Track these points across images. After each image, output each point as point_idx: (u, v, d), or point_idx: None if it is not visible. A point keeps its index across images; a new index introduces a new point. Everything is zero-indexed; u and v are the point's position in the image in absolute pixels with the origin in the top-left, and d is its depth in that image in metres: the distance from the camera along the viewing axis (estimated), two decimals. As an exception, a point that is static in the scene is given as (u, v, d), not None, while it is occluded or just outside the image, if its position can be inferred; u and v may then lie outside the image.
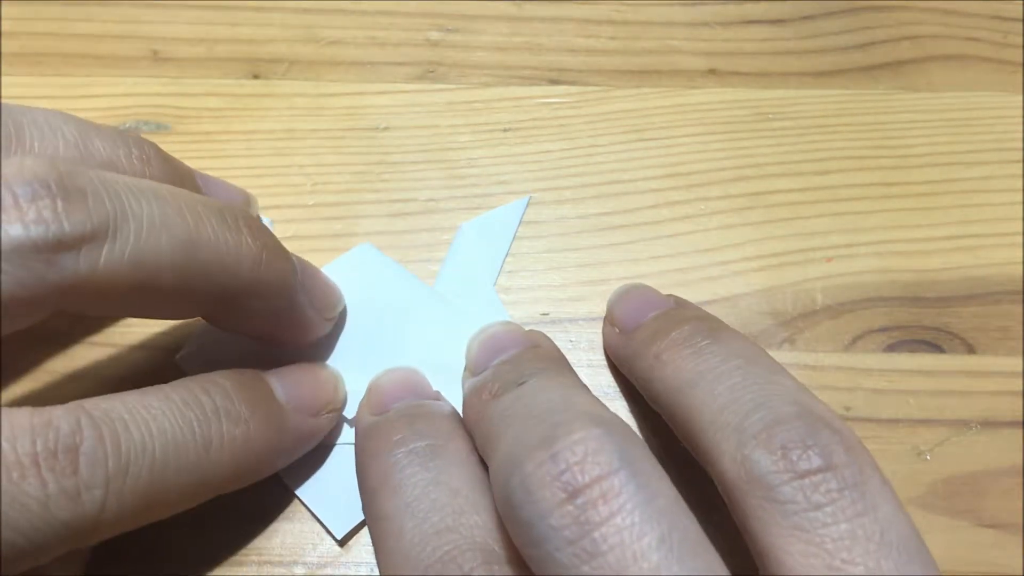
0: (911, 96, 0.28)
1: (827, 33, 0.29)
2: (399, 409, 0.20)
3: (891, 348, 0.24)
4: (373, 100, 0.27)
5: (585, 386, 0.19)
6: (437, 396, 0.21)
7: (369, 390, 0.21)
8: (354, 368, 0.22)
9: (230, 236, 0.18)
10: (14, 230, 0.15)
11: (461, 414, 0.21)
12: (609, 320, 0.23)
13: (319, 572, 0.20)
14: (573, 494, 0.15)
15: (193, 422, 0.17)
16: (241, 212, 0.19)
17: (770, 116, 0.27)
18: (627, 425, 0.17)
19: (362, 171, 0.26)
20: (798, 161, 0.27)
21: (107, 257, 0.16)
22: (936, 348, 0.24)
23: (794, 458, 0.16)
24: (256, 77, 0.28)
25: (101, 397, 0.17)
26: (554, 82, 0.28)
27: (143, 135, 0.26)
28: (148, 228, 0.17)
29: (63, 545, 0.16)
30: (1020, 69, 0.29)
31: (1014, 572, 0.21)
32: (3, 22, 0.28)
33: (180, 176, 0.20)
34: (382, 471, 0.19)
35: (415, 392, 0.21)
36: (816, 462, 0.16)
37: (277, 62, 0.28)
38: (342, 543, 0.21)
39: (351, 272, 0.24)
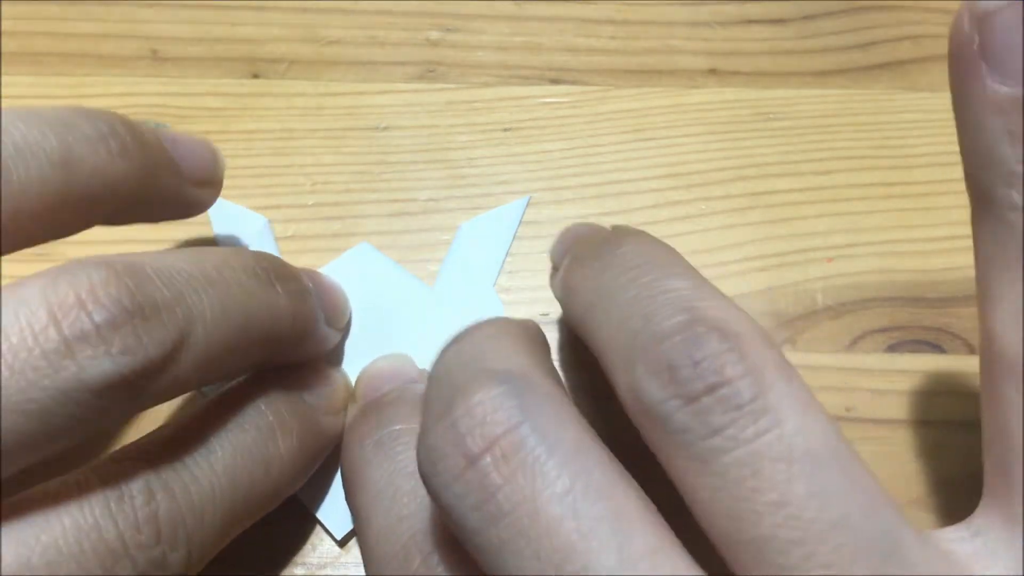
0: (912, 96, 0.28)
1: (827, 33, 0.29)
2: (368, 401, 0.20)
3: (892, 348, 0.24)
4: (373, 100, 0.27)
5: (510, 334, 0.17)
6: (421, 377, 0.21)
7: (357, 381, 0.22)
8: (353, 368, 0.22)
9: (272, 302, 0.18)
10: (103, 365, 0.15)
11: None
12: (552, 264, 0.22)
13: (319, 572, 0.20)
14: (472, 460, 0.14)
15: (252, 446, 0.18)
16: (270, 264, 0.19)
17: (770, 116, 0.27)
18: (541, 371, 0.16)
19: (362, 171, 0.26)
20: (798, 161, 0.27)
21: (184, 368, 0.16)
22: (937, 348, 0.24)
23: (681, 379, 0.14)
24: (256, 77, 0.28)
25: (157, 440, 0.17)
26: (554, 82, 0.28)
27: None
28: (213, 326, 0.17)
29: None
30: (1021, 69, 0.28)
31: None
32: (3, 22, 0.28)
33: (154, 154, 0.20)
34: (352, 466, 0.19)
35: (396, 379, 0.21)
36: (707, 379, 0.14)
37: (277, 62, 0.28)
38: (342, 543, 0.21)
39: (350, 272, 0.24)
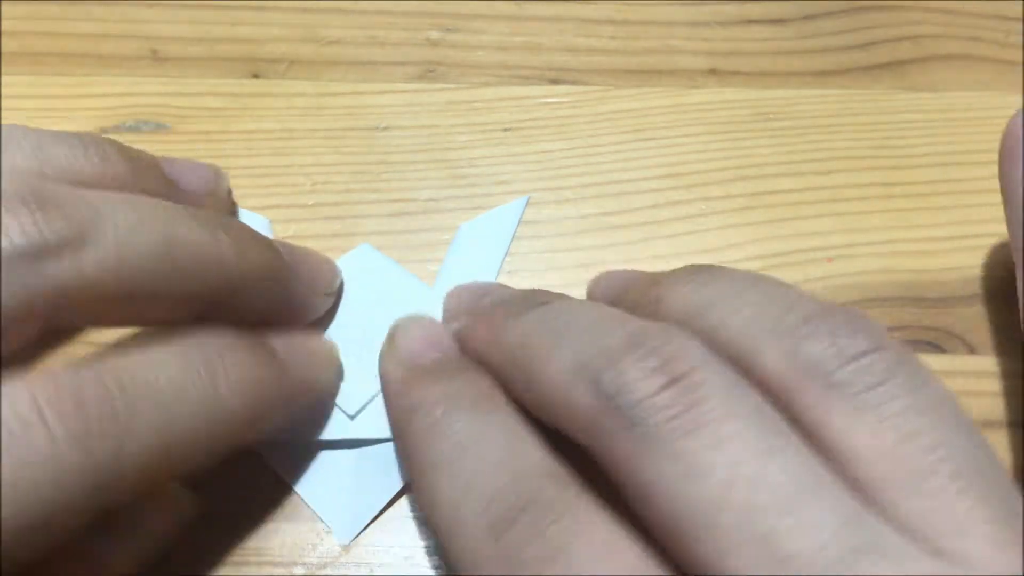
0: (912, 96, 0.28)
1: (828, 33, 0.29)
2: (439, 362, 0.20)
3: (891, 348, 0.24)
4: (373, 100, 0.27)
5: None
6: (458, 349, 0.21)
7: (395, 337, 0.21)
8: (354, 369, 0.22)
9: (205, 234, 0.19)
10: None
11: None
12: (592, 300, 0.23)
13: (319, 572, 0.20)
14: (670, 383, 0.15)
15: (197, 361, 0.18)
16: (215, 216, 0.19)
17: (770, 116, 0.27)
18: None
19: (362, 171, 0.26)
20: (799, 161, 0.27)
21: (89, 261, 0.17)
22: (937, 348, 0.24)
23: (844, 343, 0.16)
24: (256, 77, 0.28)
25: (94, 354, 0.17)
26: (554, 82, 0.28)
27: (143, 135, 0.26)
28: (126, 231, 0.17)
29: (84, 502, 0.15)
30: (1021, 69, 0.29)
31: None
32: (3, 21, 0.28)
33: (144, 167, 0.21)
34: (430, 425, 0.18)
35: (445, 344, 0.21)
36: (864, 344, 0.16)
37: (277, 62, 0.28)
38: (345, 545, 0.21)
39: (351, 273, 0.24)
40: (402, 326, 0.21)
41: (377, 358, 0.22)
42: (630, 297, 0.21)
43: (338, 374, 0.22)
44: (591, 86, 0.28)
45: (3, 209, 0.16)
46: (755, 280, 0.18)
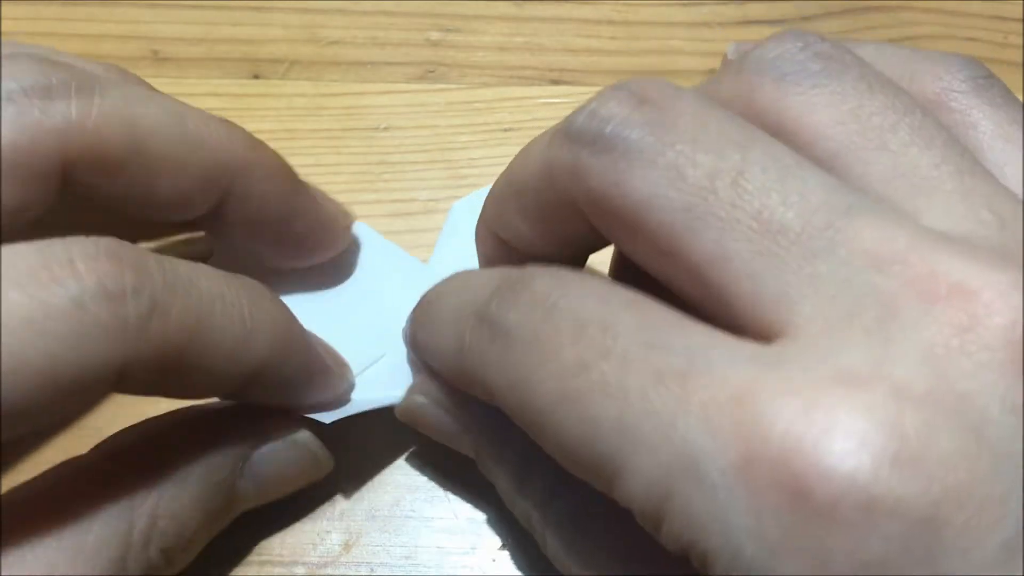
0: (911, 96, 0.28)
1: (828, 33, 0.29)
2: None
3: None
4: (373, 100, 0.27)
5: None
6: None
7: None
8: (348, 345, 0.22)
9: (216, 123, 0.19)
10: (4, 84, 0.16)
11: None
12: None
13: (319, 572, 0.20)
14: (642, 102, 0.15)
15: (238, 289, 0.17)
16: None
17: (770, 116, 0.27)
18: None
19: (362, 171, 0.26)
20: (798, 161, 0.27)
21: (98, 108, 0.17)
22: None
23: (791, 40, 0.17)
24: (256, 77, 0.28)
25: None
26: (554, 82, 0.28)
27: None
28: (136, 94, 0.18)
29: (96, 368, 0.14)
30: (1020, 69, 0.29)
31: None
32: (3, 22, 0.28)
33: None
34: (432, 291, 0.19)
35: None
36: (811, 38, 0.16)
37: (277, 62, 0.28)
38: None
39: (345, 251, 0.24)
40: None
41: (370, 336, 0.22)
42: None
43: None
44: (591, 86, 0.28)
45: (7, 59, 0.17)
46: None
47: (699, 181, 0.14)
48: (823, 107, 0.16)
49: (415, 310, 0.20)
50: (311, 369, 0.19)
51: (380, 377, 0.22)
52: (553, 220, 0.18)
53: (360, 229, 0.24)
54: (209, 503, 0.18)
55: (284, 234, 0.21)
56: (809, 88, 0.16)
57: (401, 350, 0.22)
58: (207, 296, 0.16)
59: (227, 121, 0.19)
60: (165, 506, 0.17)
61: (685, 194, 0.14)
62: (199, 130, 0.18)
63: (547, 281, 0.15)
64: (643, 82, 0.16)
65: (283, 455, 0.19)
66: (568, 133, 0.16)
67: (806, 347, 0.13)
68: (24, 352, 0.14)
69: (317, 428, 0.19)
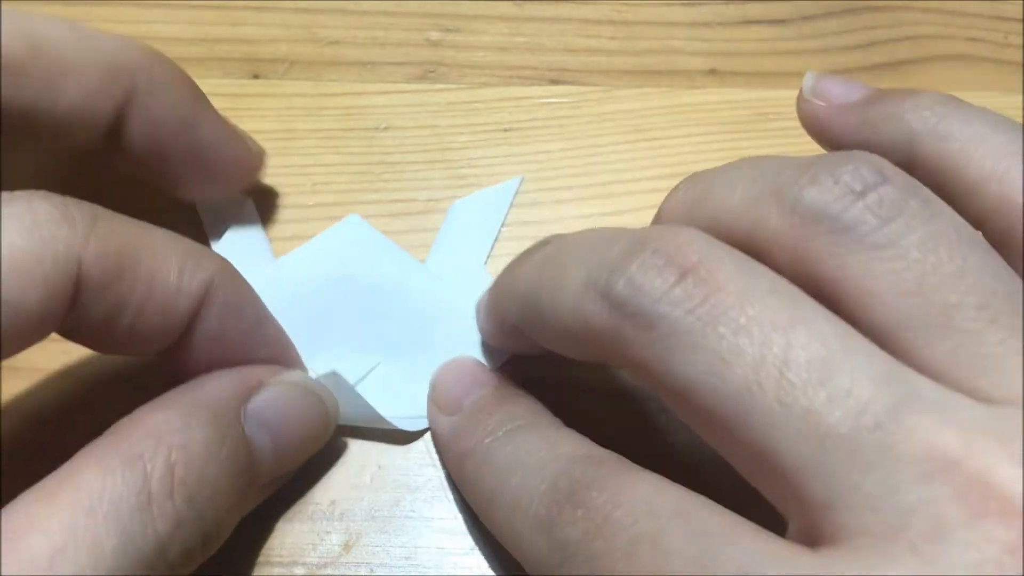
0: (911, 96, 0.28)
1: (827, 33, 0.29)
2: (475, 403, 0.20)
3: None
4: (373, 100, 0.27)
5: None
6: (496, 380, 0.21)
7: (435, 389, 0.21)
8: (342, 341, 0.22)
9: (113, 35, 0.20)
10: None
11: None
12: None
13: (319, 572, 0.20)
14: (682, 276, 0.15)
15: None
16: None
17: (770, 116, 0.27)
18: None
19: (362, 171, 0.26)
20: (798, 161, 0.27)
21: None
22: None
23: (848, 180, 0.15)
24: (256, 77, 0.28)
25: None
26: (554, 82, 0.28)
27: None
28: (27, 12, 0.19)
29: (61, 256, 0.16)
30: (1021, 69, 0.29)
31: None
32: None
33: None
34: (478, 461, 0.19)
35: (480, 382, 0.21)
36: (871, 177, 0.15)
37: (277, 62, 0.28)
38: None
39: (339, 244, 0.24)
40: (438, 376, 0.21)
41: (363, 332, 0.22)
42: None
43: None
44: (591, 86, 0.28)
45: None
46: (740, 162, 0.18)
47: (744, 372, 0.14)
48: (884, 274, 0.15)
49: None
50: (258, 311, 0.20)
51: (371, 391, 0.22)
52: (586, 354, 0.17)
53: (358, 225, 0.24)
54: (222, 450, 0.17)
55: (189, 145, 0.21)
56: (868, 249, 0.15)
57: (396, 358, 0.22)
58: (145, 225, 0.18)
59: (125, 36, 0.20)
60: (177, 452, 0.16)
61: (730, 384, 0.14)
62: (94, 35, 0.19)
63: (602, 496, 0.15)
64: (682, 241, 0.15)
65: (283, 397, 0.19)
66: (607, 296, 0.16)
67: (853, 561, 0.13)
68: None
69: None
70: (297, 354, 0.21)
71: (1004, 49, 0.29)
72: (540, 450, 0.17)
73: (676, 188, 0.19)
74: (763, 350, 0.14)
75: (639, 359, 0.15)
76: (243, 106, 0.27)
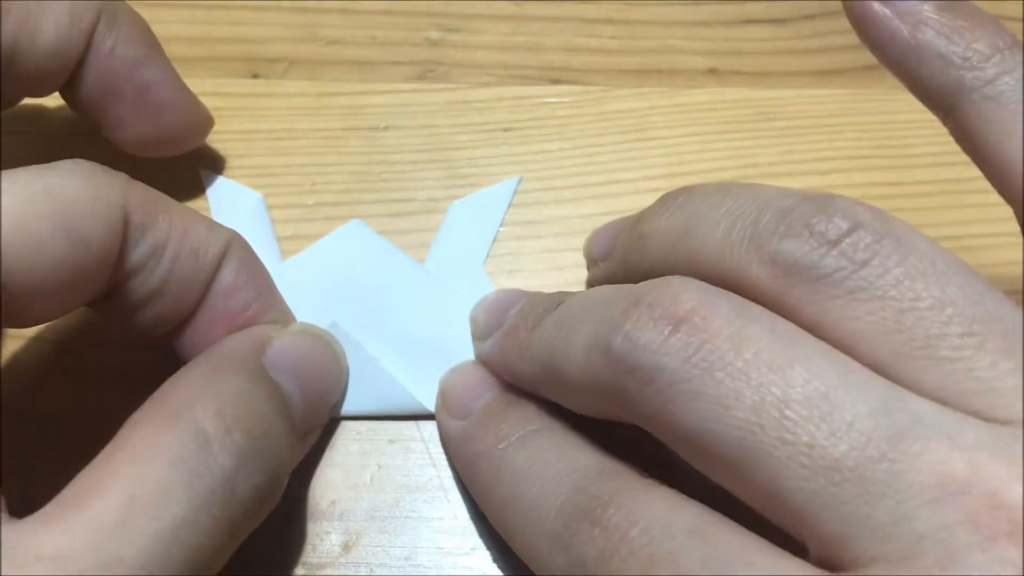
0: (912, 96, 0.28)
1: (828, 32, 0.29)
2: (486, 408, 0.20)
3: (892, 348, 0.24)
4: (373, 100, 0.27)
5: None
6: (505, 384, 0.21)
7: (444, 393, 0.21)
8: (343, 342, 0.22)
9: None
10: None
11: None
12: (591, 261, 0.23)
13: (319, 572, 0.20)
14: (676, 325, 0.15)
15: None
16: None
17: (771, 116, 0.27)
18: None
19: (362, 171, 0.26)
20: (799, 161, 0.27)
21: None
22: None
23: (822, 230, 0.16)
24: (256, 77, 0.28)
25: None
26: (554, 82, 0.28)
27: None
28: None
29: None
30: (1021, 69, 0.28)
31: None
32: (3, 22, 0.28)
33: None
34: (492, 467, 0.19)
35: (489, 386, 0.21)
36: (843, 225, 0.16)
37: (277, 62, 0.28)
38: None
39: (341, 248, 0.24)
40: (447, 380, 0.22)
41: (365, 334, 0.22)
42: (620, 244, 0.21)
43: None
44: (591, 86, 0.28)
45: None
46: (725, 190, 0.18)
47: (745, 415, 0.14)
48: (864, 315, 0.15)
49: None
50: (268, 275, 0.21)
51: (366, 386, 0.22)
52: (605, 412, 0.18)
53: (356, 227, 0.24)
54: (261, 392, 0.18)
55: (140, 84, 0.22)
56: (847, 293, 0.15)
57: (394, 358, 0.22)
58: None
59: None
60: (220, 399, 0.17)
61: (733, 428, 0.14)
62: None
63: (619, 514, 0.15)
64: (675, 292, 0.16)
65: (296, 343, 0.20)
66: (607, 354, 0.16)
67: None
68: None
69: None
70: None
71: (1004, 49, 0.29)
72: (557, 460, 0.18)
73: (663, 203, 0.19)
74: (761, 392, 0.14)
75: (645, 413, 0.16)
76: (243, 105, 0.27)
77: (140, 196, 0.18)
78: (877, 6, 0.19)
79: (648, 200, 0.26)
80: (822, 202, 0.16)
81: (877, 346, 0.15)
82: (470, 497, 0.21)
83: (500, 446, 0.19)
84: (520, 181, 0.26)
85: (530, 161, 0.26)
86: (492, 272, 0.25)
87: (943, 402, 0.14)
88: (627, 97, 0.28)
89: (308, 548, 0.21)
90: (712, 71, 0.28)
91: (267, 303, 0.20)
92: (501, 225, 0.25)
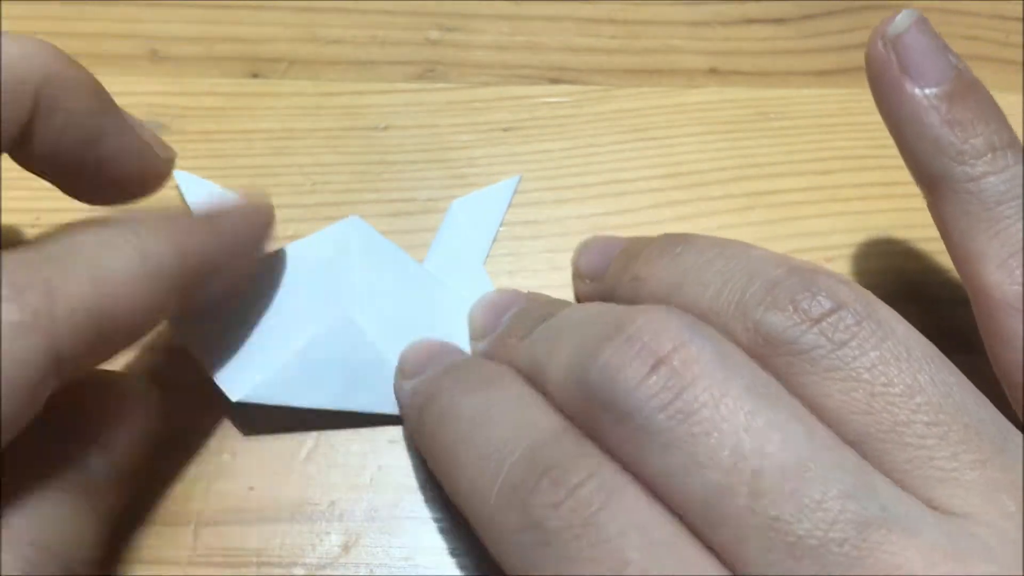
0: (912, 96, 0.28)
1: (828, 32, 0.29)
2: (442, 367, 0.20)
3: (892, 348, 0.24)
4: (373, 100, 0.27)
5: None
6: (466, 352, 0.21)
7: (401, 360, 0.21)
8: (338, 340, 0.22)
9: (23, 38, 0.18)
10: None
11: None
12: (578, 276, 0.23)
13: (319, 572, 0.20)
14: (655, 366, 0.15)
15: (123, 224, 0.17)
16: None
17: (771, 115, 0.27)
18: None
19: (362, 171, 0.26)
20: (799, 161, 0.27)
21: None
22: (937, 348, 0.24)
23: (805, 307, 0.16)
24: (255, 76, 0.28)
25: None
26: (554, 81, 0.28)
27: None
28: None
29: (28, 362, 0.15)
30: (1021, 68, 0.29)
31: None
32: (3, 21, 0.28)
33: None
34: (437, 414, 0.19)
35: (449, 351, 0.21)
36: (827, 304, 0.16)
37: (277, 61, 0.28)
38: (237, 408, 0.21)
39: (339, 244, 0.24)
40: (406, 350, 0.21)
41: (363, 331, 0.22)
42: (612, 275, 0.21)
43: (269, 233, 0.21)
44: (591, 86, 0.28)
45: None
46: (721, 248, 0.18)
47: (716, 477, 0.14)
48: (836, 394, 0.15)
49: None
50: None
51: (367, 385, 0.22)
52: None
53: (356, 225, 0.24)
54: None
55: (94, 159, 0.20)
56: (823, 371, 0.16)
57: (392, 358, 0.22)
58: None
59: (38, 38, 0.19)
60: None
61: (704, 488, 0.14)
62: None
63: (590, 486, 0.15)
64: (659, 326, 0.16)
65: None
66: (582, 382, 0.16)
67: None
68: None
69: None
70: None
71: (1004, 48, 0.29)
72: (514, 415, 0.17)
73: (662, 249, 0.19)
74: (735, 455, 0.14)
75: (618, 452, 0.16)
76: (242, 105, 0.27)
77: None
78: (896, 72, 0.19)
79: (648, 200, 0.26)
80: (809, 278, 0.16)
81: (848, 423, 0.15)
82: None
83: (450, 392, 0.19)
84: (520, 181, 0.26)
85: (530, 161, 0.26)
86: (492, 272, 0.25)
87: (902, 485, 0.15)
88: (627, 97, 0.28)
89: (307, 548, 0.21)
90: (712, 71, 0.28)
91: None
92: (501, 225, 0.25)
